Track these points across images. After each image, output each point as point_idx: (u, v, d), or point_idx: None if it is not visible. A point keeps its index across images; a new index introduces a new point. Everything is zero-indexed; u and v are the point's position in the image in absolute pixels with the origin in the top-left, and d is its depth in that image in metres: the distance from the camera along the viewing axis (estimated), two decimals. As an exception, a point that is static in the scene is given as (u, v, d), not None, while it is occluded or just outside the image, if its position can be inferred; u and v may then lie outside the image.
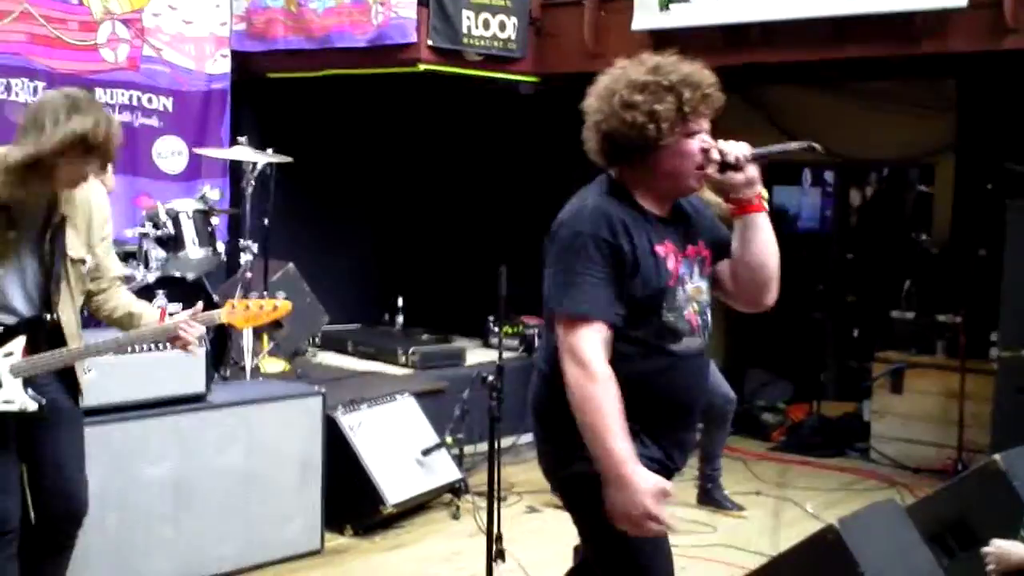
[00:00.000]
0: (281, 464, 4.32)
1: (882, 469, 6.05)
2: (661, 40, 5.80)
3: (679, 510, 4.85)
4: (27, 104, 5.44)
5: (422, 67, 6.03)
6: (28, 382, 3.06)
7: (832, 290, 7.38)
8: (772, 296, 2.51)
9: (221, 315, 3.21)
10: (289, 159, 5.53)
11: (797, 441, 6.47)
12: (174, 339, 3.14)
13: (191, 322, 3.12)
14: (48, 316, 3.09)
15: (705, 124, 2.40)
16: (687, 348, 2.42)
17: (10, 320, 3.06)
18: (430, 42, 5.98)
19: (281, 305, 3.26)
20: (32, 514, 3.25)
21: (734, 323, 7.34)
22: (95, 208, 3.19)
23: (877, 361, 6.34)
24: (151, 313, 3.26)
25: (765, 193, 2.45)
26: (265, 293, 5.23)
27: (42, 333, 3.09)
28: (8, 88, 5.76)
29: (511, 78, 6.36)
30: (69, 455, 3.19)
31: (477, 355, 6.45)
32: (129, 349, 3.75)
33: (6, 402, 3.04)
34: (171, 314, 3.24)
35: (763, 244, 2.45)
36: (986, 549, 2.64)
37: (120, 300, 3.29)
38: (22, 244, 3.05)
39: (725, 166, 2.38)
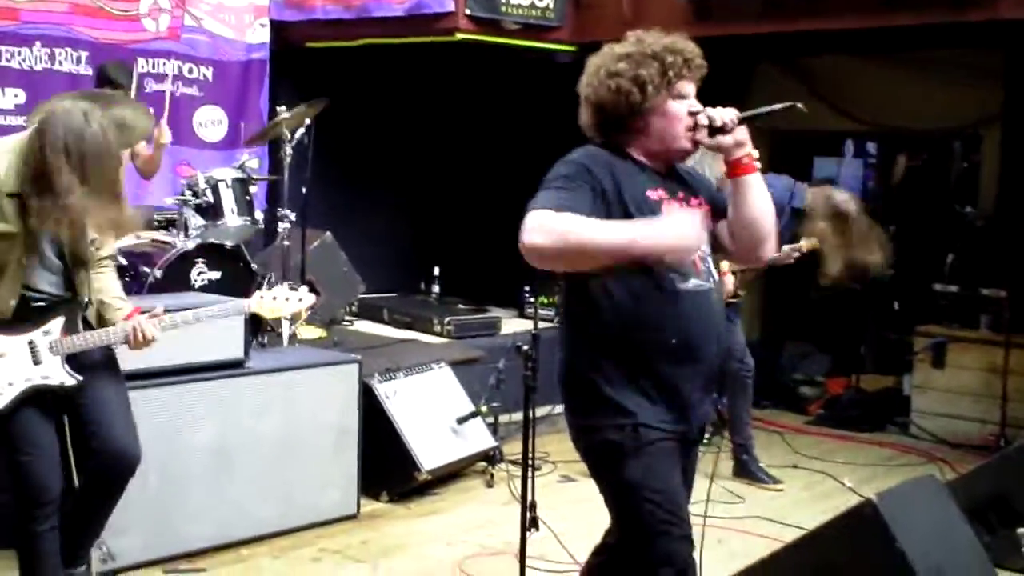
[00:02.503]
0: (318, 430, 4.36)
1: (922, 444, 5.98)
2: (701, 8, 5.74)
3: (715, 482, 4.88)
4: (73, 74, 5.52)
5: (459, 36, 6.00)
6: (69, 358, 3.14)
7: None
8: (769, 250, 2.60)
9: (251, 305, 3.36)
10: (325, 101, 5.45)
11: (835, 415, 6.42)
12: (129, 340, 3.17)
13: (145, 325, 3.16)
14: (76, 297, 3.18)
15: (691, 89, 2.52)
16: (694, 287, 2.47)
17: (47, 301, 3.14)
18: (468, 11, 5.94)
19: (305, 298, 3.39)
20: (76, 477, 3.34)
21: (772, 294, 7.29)
22: None
23: (918, 335, 6.26)
24: (120, 310, 3.26)
25: (755, 153, 2.52)
26: (303, 262, 5.27)
27: (73, 314, 3.18)
28: (52, 57, 5.80)
29: (549, 47, 6.31)
30: (116, 412, 3.27)
31: (512, 325, 6.46)
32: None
33: (44, 377, 3.12)
34: (144, 311, 3.25)
35: (757, 202, 2.52)
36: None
37: (102, 282, 3.30)
38: (41, 230, 3.08)
39: (714, 130, 2.47)
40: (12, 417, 3.10)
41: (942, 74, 6.38)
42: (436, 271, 7.24)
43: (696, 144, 2.52)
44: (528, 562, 3.45)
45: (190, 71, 6.41)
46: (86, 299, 3.21)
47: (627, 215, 2.40)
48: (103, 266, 3.30)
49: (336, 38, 6.57)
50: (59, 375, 3.14)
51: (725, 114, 2.47)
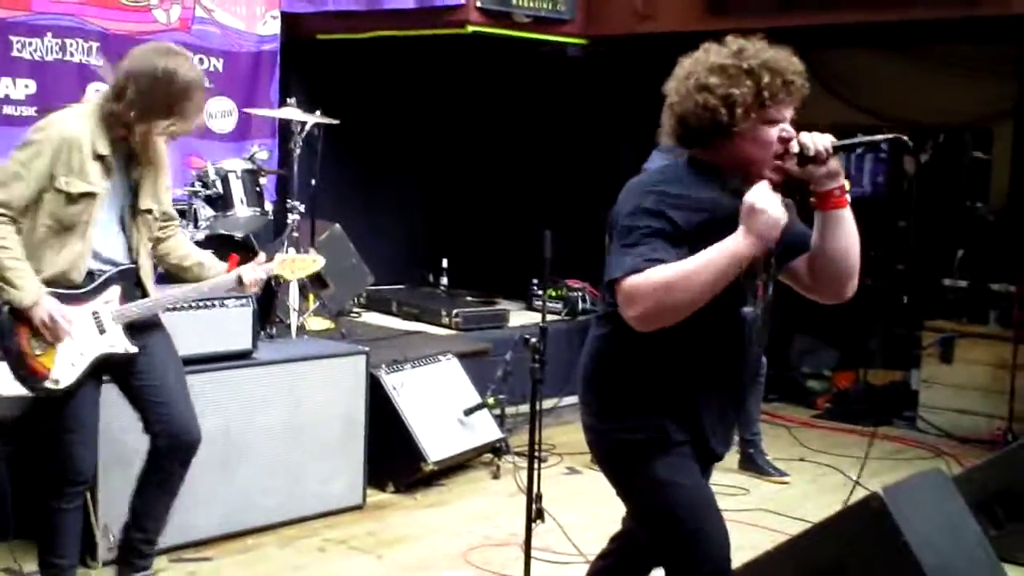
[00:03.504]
0: (325, 421, 4.38)
1: (929, 439, 5.98)
2: (714, 3, 5.72)
3: (720, 475, 4.88)
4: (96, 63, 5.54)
5: (471, 28, 6.00)
6: (127, 327, 3.25)
7: (884, 257, 7.26)
8: (852, 288, 2.43)
9: (275, 266, 3.51)
10: (336, 121, 5.56)
11: (842, 409, 6.42)
12: (240, 284, 3.38)
13: (255, 268, 3.40)
14: (135, 265, 3.28)
15: (787, 113, 2.31)
16: (749, 314, 2.39)
17: (108, 269, 3.23)
18: (479, 4, 5.94)
19: (318, 260, 3.62)
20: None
21: (780, 288, 7.28)
22: (163, 158, 3.38)
23: (926, 329, 6.25)
24: (218, 264, 3.47)
25: (847, 184, 2.33)
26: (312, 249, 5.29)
27: (131, 281, 3.29)
28: (63, 48, 5.82)
29: (560, 40, 6.30)
30: (177, 391, 3.36)
31: (520, 317, 6.46)
32: (180, 305, 3.86)
33: (111, 346, 3.21)
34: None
35: (846, 237, 2.34)
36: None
37: (187, 248, 3.52)
38: (110, 195, 3.20)
39: (805, 159, 2.27)
40: (75, 391, 3.18)
41: (955, 69, 6.36)
42: (444, 263, 7.25)
43: (783, 175, 2.31)
44: (533, 553, 3.45)
45: (200, 62, 6.41)
46: (139, 265, 3.30)
47: (702, 240, 2.23)
48: (174, 228, 3.48)
49: (347, 30, 6.57)
50: (123, 343, 3.24)
51: (819, 141, 2.25)
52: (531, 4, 6.07)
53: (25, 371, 3.12)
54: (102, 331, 3.20)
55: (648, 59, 7.06)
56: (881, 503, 2.94)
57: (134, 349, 3.25)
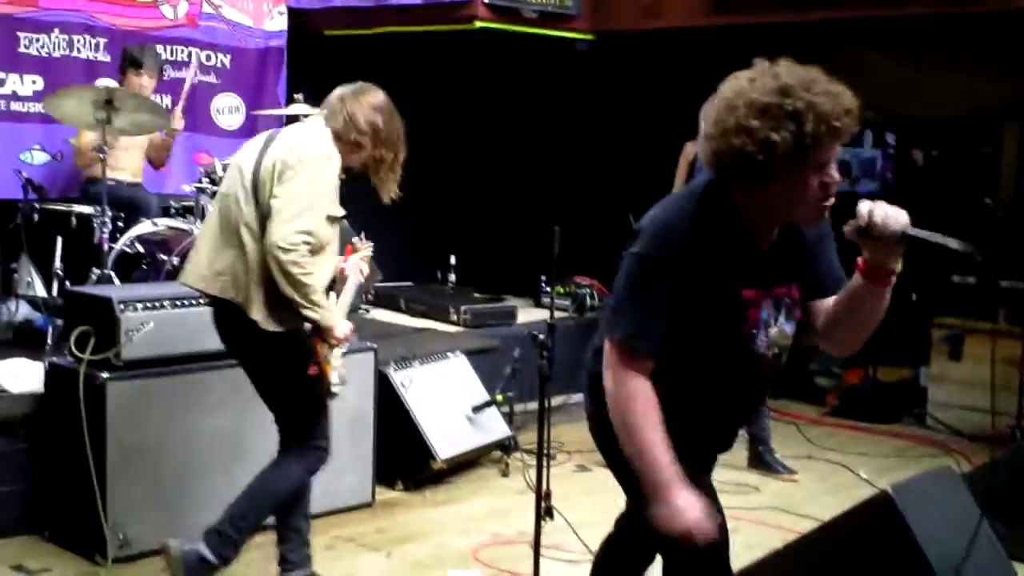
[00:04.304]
0: (334, 418, 4.36)
1: (937, 436, 5.97)
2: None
3: (728, 473, 4.88)
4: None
5: (478, 24, 6.01)
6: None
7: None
8: (858, 348, 2.41)
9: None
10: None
11: (851, 406, 6.40)
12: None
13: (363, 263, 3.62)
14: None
15: (833, 154, 2.15)
16: (759, 349, 2.33)
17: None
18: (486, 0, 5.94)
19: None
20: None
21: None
22: None
23: (935, 326, 6.23)
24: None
25: (899, 268, 2.18)
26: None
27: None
28: (70, 44, 5.83)
29: (567, 36, 6.30)
30: None
31: (529, 314, 6.46)
32: (188, 302, 3.88)
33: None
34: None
35: (873, 312, 2.27)
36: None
37: None
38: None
39: (864, 231, 2.09)
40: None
41: (962, 65, 6.34)
42: (452, 260, 7.24)
43: (824, 215, 2.19)
44: (543, 551, 3.45)
45: (208, 58, 6.42)
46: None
47: (705, 311, 2.22)
48: None
49: (354, 26, 6.58)
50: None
51: (891, 220, 2.07)
52: (539, 0, 6.07)
53: (326, 386, 3.36)
54: None
55: (655, 54, 7.09)
56: (890, 501, 2.94)
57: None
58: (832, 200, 2.18)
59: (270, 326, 3.22)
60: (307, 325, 3.28)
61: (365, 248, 3.64)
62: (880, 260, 2.16)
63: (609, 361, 2.27)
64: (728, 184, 2.20)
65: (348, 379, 3.46)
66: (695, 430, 2.35)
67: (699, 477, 2.38)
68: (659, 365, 2.25)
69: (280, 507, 3.42)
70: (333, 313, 3.33)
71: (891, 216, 2.09)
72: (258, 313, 3.20)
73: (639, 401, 2.21)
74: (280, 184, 3.18)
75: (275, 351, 3.29)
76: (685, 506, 2.18)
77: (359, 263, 3.58)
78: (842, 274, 2.36)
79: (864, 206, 2.09)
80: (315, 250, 3.19)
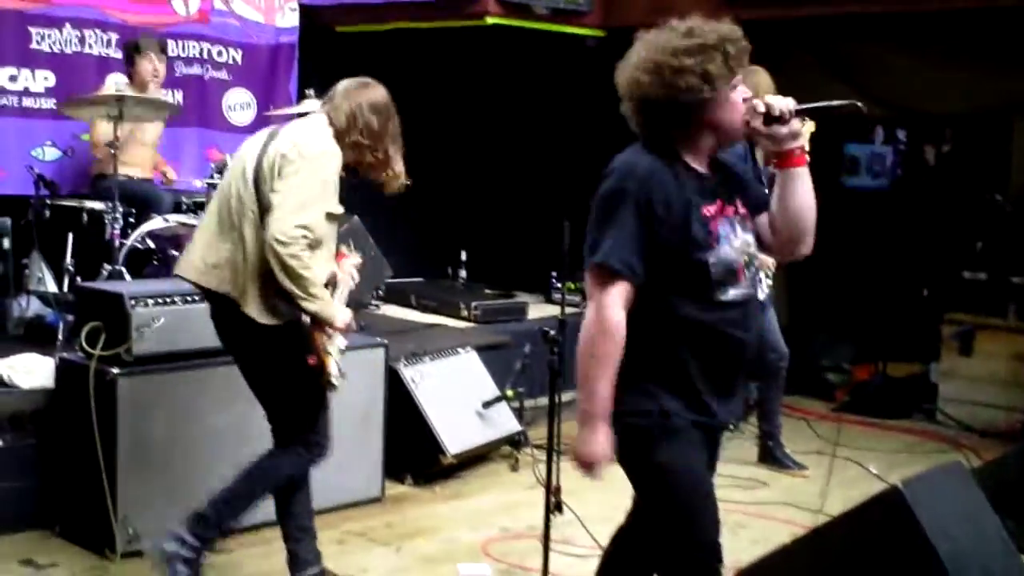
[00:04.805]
0: (343, 413, 4.35)
1: (947, 431, 5.95)
2: (731, -7, 5.69)
3: (738, 468, 4.88)
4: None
5: (490, 21, 6.01)
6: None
7: (902, 249, 7.22)
8: (808, 246, 2.57)
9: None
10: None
11: (861, 401, 6.39)
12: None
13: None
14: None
15: (739, 76, 2.47)
16: (733, 296, 2.47)
17: None
18: (498, -4, 5.96)
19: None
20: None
21: (799, 280, 7.25)
22: None
23: (946, 322, 6.22)
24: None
25: (807, 145, 2.50)
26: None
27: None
28: (82, 40, 5.84)
29: (578, 32, 6.29)
30: None
31: (539, 310, 6.47)
32: (199, 298, 3.88)
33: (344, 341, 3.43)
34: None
35: (803, 196, 2.50)
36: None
37: None
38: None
39: (770, 119, 2.43)
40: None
41: (973, 61, 6.31)
42: (463, 256, 7.25)
43: (749, 131, 2.49)
44: (552, 546, 3.47)
45: (219, 54, 6.43)
46: None
47: (678, 233, 2.39)
48: None
49: (366, 22, 6.58)
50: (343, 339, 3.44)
51: (783, 104, 2.43)
52: (550, -4, 6.08)
53: (326, 376, 3.33)
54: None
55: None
56: (900, 496, 2.94)
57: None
58: (756, 120, 2.44)
59: (266, 319, 3.22)
60: (305, 317, 3.27)
61: (354, 256, 3.61)
62: (788, 141, 2.46)
63: (590, 288, 2.42)
64: (667, 131, 2.47)
65: (347, 373, 3.45)
66: (688, 367, 2.44)
67: (700, 429, 2.48)
68: (644, 303, 2.40)
69: (277, 498, 3.42)
70: (332, 302, 3.31)
71: (780, 99, 2.44)
72: (253, 308, 3.21)
73: (608, 342, 2.38)
74: (281, 178, 3.18)
75: (272, 344, 3.29)
76: (597, 442, 2.41)
77: (351, 269, 3.56)
78: (767, 194, 2.62)
79: (757, 101, 2.43)
80: (313, 245, 3.18)
